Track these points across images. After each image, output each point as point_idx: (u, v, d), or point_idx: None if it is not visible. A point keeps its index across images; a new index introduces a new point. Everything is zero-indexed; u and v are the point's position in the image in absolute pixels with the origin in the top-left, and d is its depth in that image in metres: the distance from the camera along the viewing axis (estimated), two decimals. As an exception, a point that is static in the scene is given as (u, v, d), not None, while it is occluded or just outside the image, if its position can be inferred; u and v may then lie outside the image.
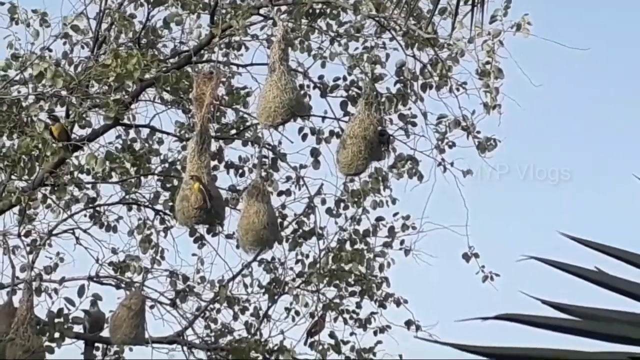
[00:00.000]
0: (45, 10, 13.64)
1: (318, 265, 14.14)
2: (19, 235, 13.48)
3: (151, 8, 13.63)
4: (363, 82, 13.18)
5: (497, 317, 2.88)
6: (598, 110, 25.04)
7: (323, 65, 13.88)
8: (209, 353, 14.23)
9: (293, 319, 14.35)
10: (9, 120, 13.28)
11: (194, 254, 14.14)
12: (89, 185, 14.17)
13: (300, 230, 14.25)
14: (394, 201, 14.35)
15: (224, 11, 13.26)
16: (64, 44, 13.78)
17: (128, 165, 13.91)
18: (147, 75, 13.25)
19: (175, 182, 13.35)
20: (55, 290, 13.60)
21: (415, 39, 13.49)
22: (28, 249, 13.47)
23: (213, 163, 12.89)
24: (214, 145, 13.06)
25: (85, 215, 14.13)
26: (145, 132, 14.09)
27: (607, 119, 24.92)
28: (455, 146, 13.88)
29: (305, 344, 14.06)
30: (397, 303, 14.28)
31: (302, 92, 12.96)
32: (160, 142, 14.21)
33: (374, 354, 14.17)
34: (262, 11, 13.34)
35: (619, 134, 24.34)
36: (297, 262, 14.38)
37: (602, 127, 24.92)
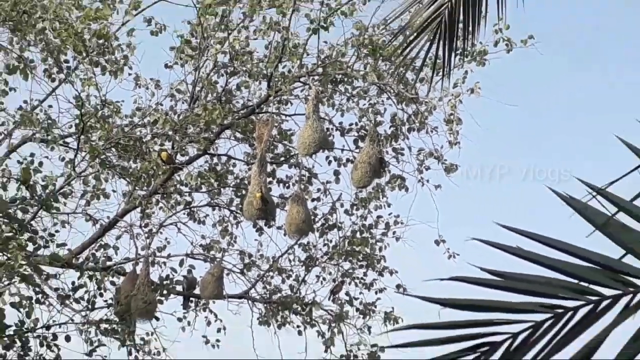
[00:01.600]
0: (159, 78, 13.82)
1: (338, 247, 14.28)
2: (140, 226, 13.74)
3: (228, 77, 13.76)
4: (369, 126, 13.25)
5: (451, 279, 3.06)
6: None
7: (342, 115, 14.05)
8: (265, 305, 14.35)
9: (321, 283, 14.43)
10: (134, 151, 13.53)
11: (255, 239, 14.34)
12: (187, 194, 14.35)
13: (326, 224, 14.35)
14: (389, 205, 14.49)
15: (276, 79, 13.25)
16: (171, 100, 13.95)
17: (212, 180, 14.06)
18: (225, 122, 13.45)
19: (244, 192, 13.34)
20: (164, 263, 13.80)
21: (403, 98, 13.70)
22: (146, 235, 13.71)
23: (268, 179, 12.92)
24: (269, 168, 13.20)
25: (184, 214, 14.30)
26: (223, 159, 14.23)
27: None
28: (429, 169, 14.08)
29: (328, 299, 14.21)
30: (391, 273, 14.39)
31: (327, 132, 13.07)
32: (234, 165, 14.33)
33: (375, 307, 14.28)
34: (302, 79, 13.46)
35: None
36: (324, 245, 14.42)
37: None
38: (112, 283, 13.39)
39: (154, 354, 13.76)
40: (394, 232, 14.58)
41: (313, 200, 14.15)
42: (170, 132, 13.50)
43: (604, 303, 2.94)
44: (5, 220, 11.78)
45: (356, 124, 14.09)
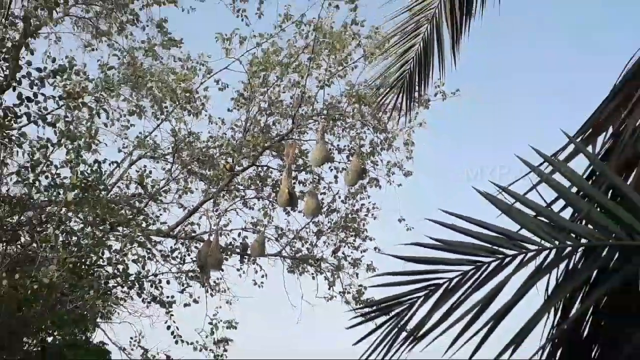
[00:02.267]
0: (223, 118, 14.15)
1: (337, 224, 14.38)
2: (212, 211, 14.06)
3: (267, 116, 13.97)
4: (355, 147, 13.43)
5: (412, 244, 2.98)
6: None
7: (339, 140, 14.20)
8: (291, 260, 14.43)
9: (326, 246, 14.53)
10: (208, 163, 13.77)
11: (285, 219, 14.38)
12: (242, 190, 14.66)
13: (329, 209, 14.36)
14: (368, 197, 14.56)
15: (298, 118, 13.60)
16: (231, 131, 14.32)
17: (258, 182, 14.40)
18: (265, 145, 13.72)
19: (277, 189, 13.09)
20: (228, 234, 14.07)
21: (377, 128, 13.90)
22: (216, 216, 14.01)
23: (293, 181, 12.78)
24: (293, 174, 13.15)
25: (240, 203, 14.49)
26: (265, 168, 14.37)
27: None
28: (394, 174, 14.31)
29: (331, 256, 14.41)
30: (370, 239, 14.46)
31: (330, 151, 12.84)
32: (271, 172, 14.45)
33: (360, 261, 14.40)
34: (313, 118, 13.69)
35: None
36: (328, 222, 14.48)
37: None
38: (196, 247, 13.69)
39: (222, 291, 13.98)
40: (372, 214, 14.57)
41: (321, 194, 14.03)
42: (231, 152, 13.63)
43: (507, 259, 2.82)
44: (128, 208, 12.50)
45: (347, 146, 14.24)
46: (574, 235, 2.79)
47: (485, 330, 2.65)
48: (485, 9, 5.61)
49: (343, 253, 14.52)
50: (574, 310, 3.00)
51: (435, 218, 2.99)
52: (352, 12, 12.93)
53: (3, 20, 9.43)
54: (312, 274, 14.47)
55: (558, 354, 3.05)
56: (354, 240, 14.55)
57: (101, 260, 11.24)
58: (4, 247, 10.29)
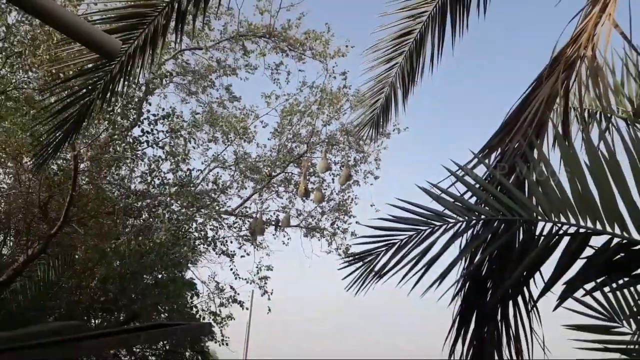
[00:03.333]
0: (265, 144, 14.57)
1: (333, 207, 13.88)
2: (259, 201, 13.74)
3: (293, 143, 13.62)
4: (345, 161, 13.21)
5: (379, 219, 2.87)
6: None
7: (335, 157, 13.61)
8: (306, 229, 13.87)
9: (327, 220, 13.97)
10: (255, 171, 13.40)
11: (302, 204, 13.86)
12: (276, 188, 13.98)
13: (329, 199, 13.73)
14: (353, 192, 13.92)
15: (310, 145, 13.30)
16: (275, 153, 13.92)
17: (285, 182, 13.87)
18: (290, 160, 13.36)
19: (297, 187, 12.64)
20: (267, 213, 13.55)
21: (358, 150, 13.56)
22: (261, 203, 13.68)
23: (307, 182, 12.16)
24: (307, 177, 12.56)
25: (275, 194, 13.87)
26: (289, 174, 13.83)
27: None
28: (368, 178, 13.79)
29: (330, 227, 13.83)
30: (354, 217, 13.81)
31: (329, 163, 12.55)
32: (293, 176, 13.86)
33: (347, 230, 13.61)
34: (320, 144, 13.37)
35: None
36: (328, 206, 13.83)
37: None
38: (248, 221, 13.28)
39: (264, 248, 13.53)
40: (355, 202, 13.98)
41: (324, 190, 13.55)
42: (269, 164, 13.40)
43: (436, 228, 2.71)
44: (207, 197, 12.00)
45: (340, 161, 13.76)
46: (477, 213, 2.73)
47: (422, 270, 2.63)
48: (423, 79, 5.64)
49: (337, 225, 14.21)
50: (476, 259, 2.92)
51: (395, 203, 2.90)
52: (343, 80, 12.96)
53: (134, 86, 9.53)
54: (318, 237, 14.22)
55: (467, 285, 2.99)
56: (344, 217, 14.19)
57: (191, 229, 11.23)
58: (132, 221, 10.29)
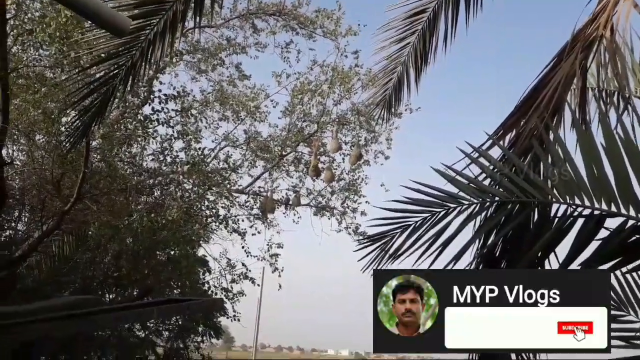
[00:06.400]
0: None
1: (344, 186, 13.65)
2: (270, 180, 13.61)
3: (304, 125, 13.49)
4: (355, 140, 12.99)
5: (394, 201, 2.85)
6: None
7: (345, 137, 13.44)
8: (316, 208, 13.56)
9: (337, 199, 13.81)
10: (265, 150, 13.35)
11: (312, 184, 13.68)
12: (287, 167, 13.85)
13: (339, 178, 13.44)
14: (363, 171, 13.61)
15: (321, 125, 13.10)
16: (290, 138, 13.86)
17: (296, 162, 13.79)
18: (301, 139, 13.22)
19: (309, 166, 12.39)
20: (278, 192, 13.52)
21: (369, 130, 13.26)
22: (271, 182, 13.49)
23: (317, 161, 12.21)
24: (318, 157, 12.48)
25: (285, 173, 13.68)
26: (300, 153, 13.74)
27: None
28: (379, 157, 13.67)
29: (340, 206, 13.76)
30: (364, 196, 13.57)
31: (340, 143, 12.41)
32: (304, 155, 13.62)
33: (357, 209, 13.62)
34: (330, 124, 13.00)
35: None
36: (338, 186, 13.61)
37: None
38: (259, 200, 13.23)
39: (274, 226, 13.35)
40: (365, 182, 13.78)
41: (334, 169, 13.33)
42: (280, 143, 13.32)
43: (450, 209, 2.69)
44: (219, 175, 11.78)
45: (351, 141, 13.53)
46: (491, 195, 2.73)
47: (437, 252, 2.63)
48: (436, 59, 5.55)
49: (347, 204, 14.09)
50: (490, 241, 2.92)
51: (409, 185, 2.87)
52: (355, 59, 12.80)
53: (144, 64, 9.50)
54: (328, 216, 14.12)
55: (480, 267, 2.97)
56: (354, 197, 14.04)
57: (202, 207, 11.24)
58: (145, 198, 10.31)
